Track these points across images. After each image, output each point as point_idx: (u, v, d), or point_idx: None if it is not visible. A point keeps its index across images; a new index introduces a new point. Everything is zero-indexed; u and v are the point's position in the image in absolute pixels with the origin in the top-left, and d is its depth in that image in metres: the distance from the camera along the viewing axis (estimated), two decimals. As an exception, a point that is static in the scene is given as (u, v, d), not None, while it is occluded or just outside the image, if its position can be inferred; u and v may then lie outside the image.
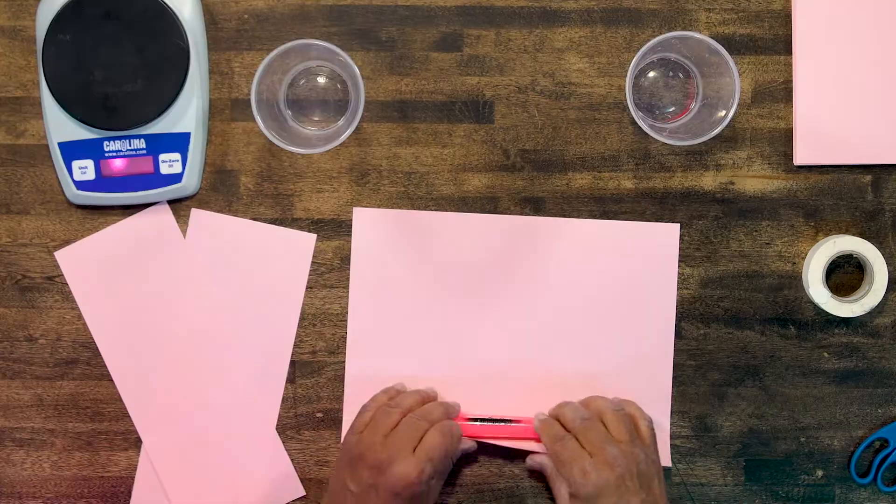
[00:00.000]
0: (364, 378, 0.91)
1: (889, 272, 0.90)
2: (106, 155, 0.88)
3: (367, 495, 0.82)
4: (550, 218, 0.91)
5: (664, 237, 0.91)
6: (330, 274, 0.91)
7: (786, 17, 0.91)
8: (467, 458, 0.91)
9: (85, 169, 0.89)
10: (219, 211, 0.92)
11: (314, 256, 0.91)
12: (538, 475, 0.91)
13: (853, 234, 0.91)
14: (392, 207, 0.91)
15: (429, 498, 0.85)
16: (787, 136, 0.91)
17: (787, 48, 0.91)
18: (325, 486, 0.91)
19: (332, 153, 0.92)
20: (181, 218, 0.92)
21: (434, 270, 0.91)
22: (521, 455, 0.91)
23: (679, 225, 0.91)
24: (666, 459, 0.90)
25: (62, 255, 0.91)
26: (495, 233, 0.91)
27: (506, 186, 0.91)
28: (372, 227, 0.91)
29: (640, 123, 0.83)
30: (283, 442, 0.92)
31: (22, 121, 0.91)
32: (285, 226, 0.91)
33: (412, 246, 0.91)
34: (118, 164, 0.88)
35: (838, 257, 0.91)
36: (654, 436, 0.87)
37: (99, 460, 0.92)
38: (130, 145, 0.88)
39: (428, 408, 0.87)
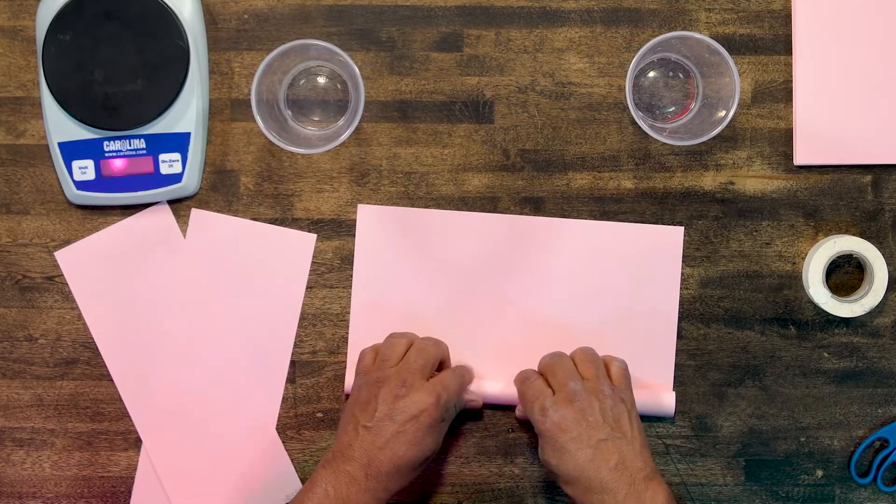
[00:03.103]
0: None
1: (889, 272, 0.90)
2: (106, 155, 0.88)
3: (382, 425, 0.81)
4: (557, 219, 0.91)
5: (668, 240, 0.91)
6: (330, 274, 0.92)
7: (786, 17, 0.91)
8: (467, 459, 0.91)
9: (85, 169, 0.89)
10: (219, 211, 0.92)
11: (314, 256, 0.92)
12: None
13: (853, 234, 0.91)
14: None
15: (440, 433, 0.84)
16: (787, 136, 0.91)
17: (787, 48, 0.91)
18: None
19: (332, 153, 0.92)
20: (181, 218, 0.92)
21: (437, 268, 0.91)
22: (522, 455, 0.91)
23: (683, 228, 0.91)
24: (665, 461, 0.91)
25: (62, 255, 0.91)
26: (499, 232, 0.91)
27: (506, 186, 0.91)
28: (376, 223, 0.91)
29: (640, 123, 0.83)
30: (283, 442, 0.92)
31: (22, 121, 0.91)
32: (285, 226, 0.91)
33: (416, 243, 0.91)
34: (118, 164, 0.88)
35: (838, 257, 0.91)
36: (626, 377, 0.85)
37: (99, 460, 0.92)
38: (130, 145, 0.88)
39: (433, 341, 0.88)
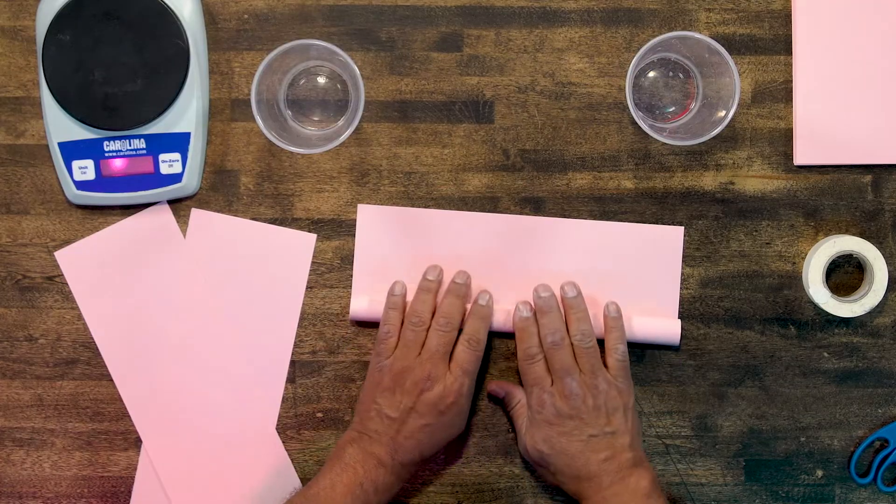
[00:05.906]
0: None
1: (889, 272, 0.90)
2: (106, 155, 0.88)
3: (408, 418, 0.84)
4: (557, 219, 0.91)
5: (668, 240, 0.91)
6: (330, 274, 0.92)
7: (786, 17, 0.91)
8: (467, 459, 0.91)
9: (85, 169, 0.89)
10: (219, 211, 0.92)
11: (314, 256, 0.92)
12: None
13: (853, 234, 0.91)
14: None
15: (465, 413, 0.87)
16: (787, 136, 0.91)
17: (787, 48, 0.91)
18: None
19: (332, 153, 0.92)
20: (181, 218, 0.92)
21: (434, 270, 0.91)
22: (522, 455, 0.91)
23: (683, 228, 0.91)
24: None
25: (62, 255, 0.91)
26: (499, 232, 0.91)
27: (506, 186, 0.91)
28: (376, 223, 0.91)
29: (640, 123, 0.83)
30: (283, 442, 0.92)
31: (22, 121, 0.91)
32: (285, 226, 0.91)
33: (416, 243, 0.91)
34: (118, 164, 0.88)
35: (838, 257, 0.91)
36: (624, 368, 0.87)
37: (99, 460, 0.92)
38: (130, 145, 0.88)
39: (447, 309, 0.88)
